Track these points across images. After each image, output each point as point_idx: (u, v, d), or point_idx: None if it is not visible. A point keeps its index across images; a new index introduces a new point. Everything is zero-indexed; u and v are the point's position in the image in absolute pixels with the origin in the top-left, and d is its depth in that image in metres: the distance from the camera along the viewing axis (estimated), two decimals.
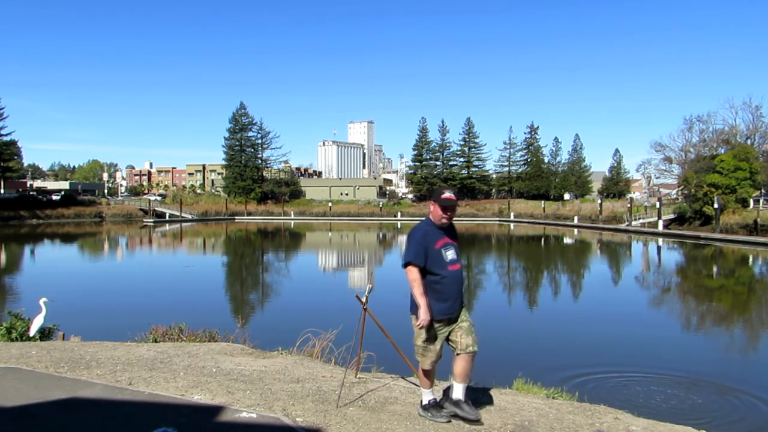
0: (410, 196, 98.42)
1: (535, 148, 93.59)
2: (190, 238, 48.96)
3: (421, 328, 4.15)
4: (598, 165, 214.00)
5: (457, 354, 4.24)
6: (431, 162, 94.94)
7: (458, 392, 4.24)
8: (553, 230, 56.21)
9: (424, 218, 4.46)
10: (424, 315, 4.09)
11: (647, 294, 19.84)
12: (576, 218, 62.17)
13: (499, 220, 74.39)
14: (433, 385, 4.50)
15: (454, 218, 4.39)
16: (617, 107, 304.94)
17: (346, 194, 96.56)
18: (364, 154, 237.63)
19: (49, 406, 4.46)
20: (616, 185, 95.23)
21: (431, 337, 4.25)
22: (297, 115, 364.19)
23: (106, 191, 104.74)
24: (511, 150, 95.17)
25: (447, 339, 4.30)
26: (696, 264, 29.69)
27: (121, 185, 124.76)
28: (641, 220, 54.15)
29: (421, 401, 4.48)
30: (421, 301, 4.10)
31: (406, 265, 4.19)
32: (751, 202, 47.57)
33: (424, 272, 4.21)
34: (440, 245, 4.25)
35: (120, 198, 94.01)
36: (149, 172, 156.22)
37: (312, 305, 16.16)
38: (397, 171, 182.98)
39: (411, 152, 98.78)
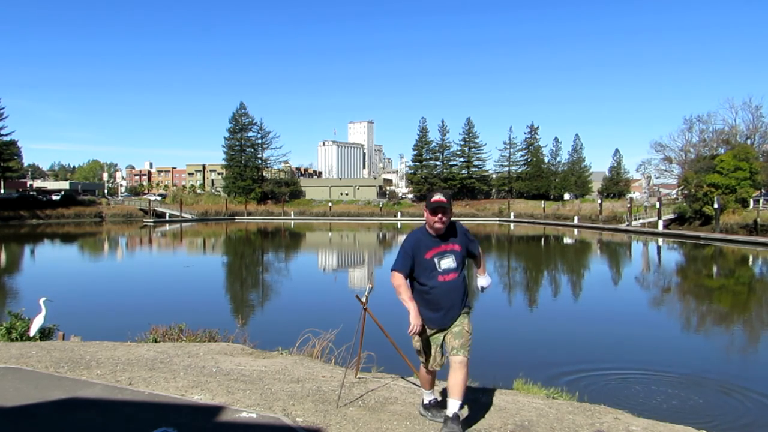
0: (410, 196, 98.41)
1: (535, 148, 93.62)
2: (190, 238, 48.96)
3: (412, 333, 4.06)
4: (598, 165, 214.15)
5: (449, 358, 4.09)
6: (431, 162, 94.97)
7: (449, 408, 3.99)
8: (553, 230, 56.22)
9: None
10: (413, 320, 3.97)
11: (647, 294, 19.84)
12: (576, 218, 62.18)
13: (499, 220, 74.39)
14: (433, 386, 4.45)
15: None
16: (617, 107, 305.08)
17: (346, 194, 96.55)
18: (364, 154, 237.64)
19: (49, 406, 4.46)
20: (616, 185, 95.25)
21: (425, 343, 4.16)
22: (297, 115, 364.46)
23: (106, 191, 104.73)
24: (511, 150, 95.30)
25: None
26: (696, 264, 29.69)
27: (121, 185, 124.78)
28: (641, 220, 54.16)
29: (422, 401, 4.47)
30: (409, 306, 4.00)
31: (391, 271, 4.11)
32: (751, 202, 47.59)
33: (414, 279, 4.13)
34: (432, 254, 4.04)
35: (120, 198, 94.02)
36: (149, 172, 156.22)
37: (312, 305, 16.17)
38: (397, 171, 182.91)
39: (411, 152, 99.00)
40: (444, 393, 4.50)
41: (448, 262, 4.05)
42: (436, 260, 4.03)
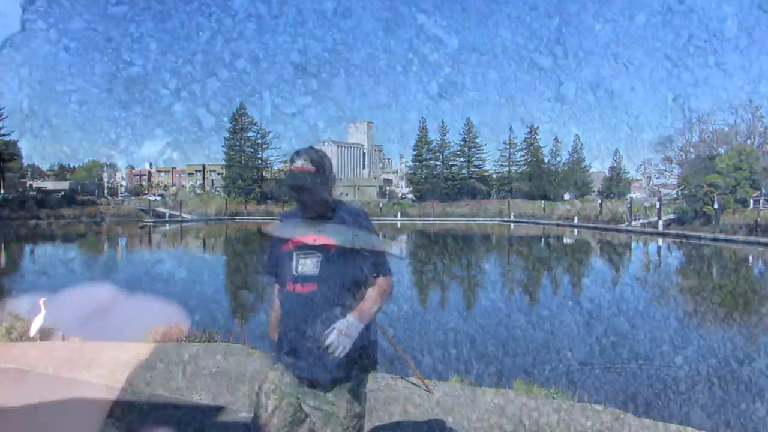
0: (410, 196, 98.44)
1: (535, 149, 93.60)
2: (189, 238, 48.96)
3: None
4: (598, 165, 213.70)
5: None
6: (431, 162, 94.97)
7: None
8: (553, 230, 56.21)
9: None
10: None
11: (648, 294, 19.83)
12: (576, 218, 62.16)
13: (499, 220, 74.32)
14: None
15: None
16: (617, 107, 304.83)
17: (346, 194, 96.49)
18: (363, 154, 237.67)
19: (49, 406, 4.45)
20: (616, 185, 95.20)
21: (269, 385, 2.48)
22: (297, 115, 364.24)
23: (106, 191, 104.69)
24: (511, 150, 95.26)
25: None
26: (696, 264, 29.70)
27: (121, 185, 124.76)
28: (641, 221, 54.13)
29: None
30: (270, 322, 2.66)
31: None
32: (751, 202, 47.59)
33: None
34: (292, 246, 2.45)
35: (120, 198, 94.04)
36: (149, 173, 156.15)
37: None
38: (397, 171, 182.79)
39: (411, 152, 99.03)
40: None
41: (307, 265, 2.40)
42: (295, 256, 2.44)
